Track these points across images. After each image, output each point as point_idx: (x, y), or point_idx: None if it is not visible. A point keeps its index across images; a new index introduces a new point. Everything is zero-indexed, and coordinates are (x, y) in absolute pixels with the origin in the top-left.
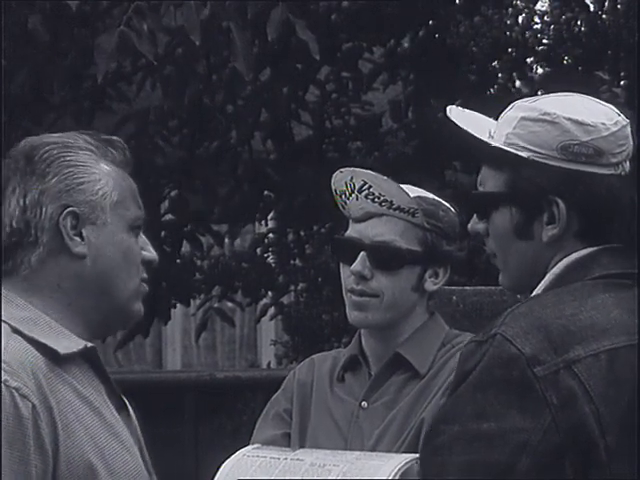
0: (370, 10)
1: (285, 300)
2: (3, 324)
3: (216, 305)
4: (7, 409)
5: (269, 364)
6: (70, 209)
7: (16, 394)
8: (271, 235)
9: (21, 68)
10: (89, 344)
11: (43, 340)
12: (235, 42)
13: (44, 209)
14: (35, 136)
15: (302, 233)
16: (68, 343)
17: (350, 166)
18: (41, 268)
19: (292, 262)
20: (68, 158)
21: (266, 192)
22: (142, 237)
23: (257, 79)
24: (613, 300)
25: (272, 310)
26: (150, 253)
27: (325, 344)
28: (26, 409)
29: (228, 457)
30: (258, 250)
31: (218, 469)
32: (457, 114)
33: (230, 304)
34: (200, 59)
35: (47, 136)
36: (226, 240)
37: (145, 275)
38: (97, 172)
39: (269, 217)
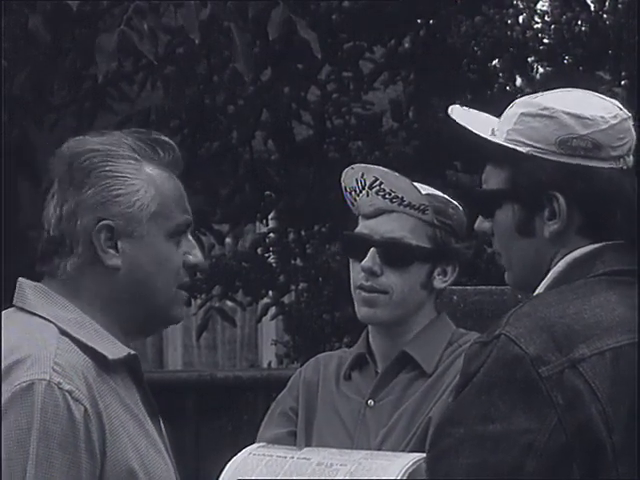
0: (371, 10)
1: (286, 300)
2: (51, 325)
3: (217, 305)
4: (61, 412)
5: (270, 364)
6: (104, 222)
7: (69, 397)
8: (272, 235)
9: (22, 68)
10: (132, 351)
11: (91, 344)
12: (235, 42)
13: (79, 221)
14: (82, 137)
15: (303, 233)
16: (114, 349)
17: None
18: (77, 275)
19: (293, 262)
20: (107, 168)
21: (267, 192)
22: (189, 240)
23: (258, 79)
24: (617, 298)
25: (273, 310)
26: (195, 257)
27: (326, 344)
28: (78, 412)
29: (231, 456)
30: (259, 250)
31: (223, 468)
32: (459, 113)
33: (231, 304)
34: (201, 59)
35: (91, 141)
36: (227, 240)
37: (186, 279)
38: (136, 182)
39: (270, 217)
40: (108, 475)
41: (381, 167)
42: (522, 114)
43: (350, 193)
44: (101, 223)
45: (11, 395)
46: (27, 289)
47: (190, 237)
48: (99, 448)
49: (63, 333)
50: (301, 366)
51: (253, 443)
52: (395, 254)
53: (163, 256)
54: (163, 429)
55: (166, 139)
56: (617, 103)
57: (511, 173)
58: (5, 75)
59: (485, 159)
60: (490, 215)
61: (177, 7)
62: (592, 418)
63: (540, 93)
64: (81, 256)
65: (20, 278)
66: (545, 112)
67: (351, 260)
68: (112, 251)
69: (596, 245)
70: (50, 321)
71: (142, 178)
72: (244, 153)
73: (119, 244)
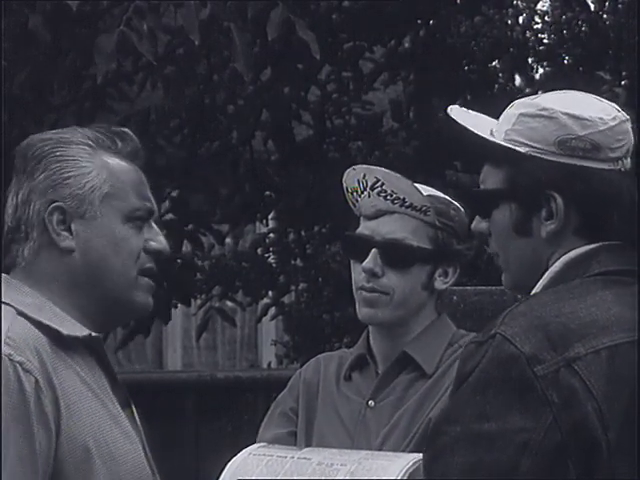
0: (371, 10)
1: (286, 300)
2: (9, 307)
3: (217, 305)
4: (11, 383)
5: (269, 364)
6: (56, 204)
7: (19, 368)
8: (272, 235)
9: (22, 68)
10: (94, 333)
11: (47, 322)
12: (235, 42)
13: (32, 206)
14: (38, 133)
15: (303, 233)
16: (72, 327)
17: (351, 166)
18: (35, 261)
19: (293, 262)
20: (58, 153)
21: (267, 192)
22: (153, 228)
23: (258, 79)
24: (612, 297)
25: (273, 310)
26: (158, 243)
27: (326, 344)
28: (29, 384)
29: (231, 456)
30: (259, 250)
31: (224, 468)
32: (458, 113)
33: (231, 304)
34: (201, 59)
35: (46, 133)
36: (227, 240)
37: (150, 265)
38: (87, 165)
39: (270, 217)
40: (63, 449)
41: (383, 168)
42: (521, 114)
43: (352, 194)
44: (52, 205)
45: None
46: None
47: (154, 225)
48: (54, 421)
49: (20, 314)
50: (301, 366)
51: (253, 443)
52: (396, 255)
53: (118, 238)
54: (138, 421)
55: (126, 130)
56: (616, 106)
57: (509, 173)
58: (5, 75)
59: (483, 159)
60: (487, 215)
61: (177, 7)
62: (587, 416)
63: (539, 94)
64: (36, 240)
65: None
66: (544, 112)
67: (352, 261)
68: (65, 233)
69: (592, 245)
70: (8, 304)
71: (94, 162)
72: (244, 153)
73: (72, 226)
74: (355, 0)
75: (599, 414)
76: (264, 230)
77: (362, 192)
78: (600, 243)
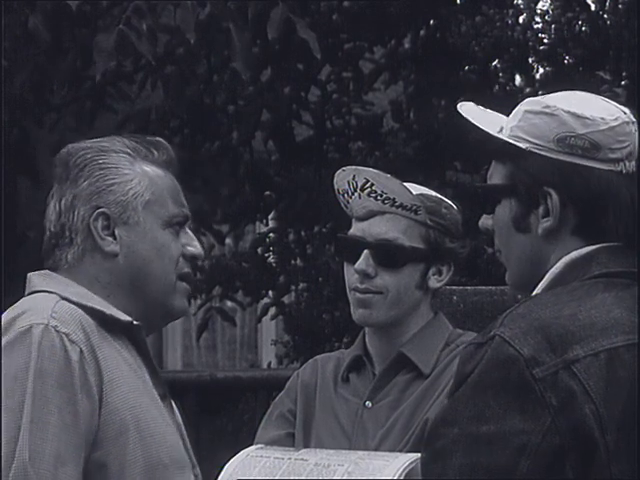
0: (371, 10)
1: (286, 300)
2: (52, 294)
3: (217, 305)
4: (57, 352)
5: (270, 364)
6: (100, 210)
7: (65, 339)
8: (272, 235)
9: (22, 68)
10: (135, 322)
11: (90, 304)
12: (234, 42)
13: (76, 212)
14: (76, 143)
15: (303, 233)
16: (116, 312)
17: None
18: (78, 265)
19: (293, 262)
20: (100, 161)
21: (267, 192)
22: (188, 233)
23: (258, 79)
24: (613, 299)
25: (273, 310)
26: (194, 248)
27: (326, 344)
28: (75, 353)
29: (230, 457)
30: (259, 250)
31: (221, 469)
32: (468, 109)
33: (231, 304)
34: (200, 59)
35: (84, 142)
36: (227, 240)
37: (187, 270)
38: (129, 173)
39: (270, 217)
40: (106, 418)
41: (372, 169)
42: (526, 111)
43: (343, 195)
44: (97, 211)
45: (12, 338)
46: (33, 277)
47: (189, 230)
48: (97, 391)
49: (63, 299)
50: (301, 366)
51: (252, 443)
52: (388, 255)
53: (160, 243)
54: (177, 415)
55: (160, 140)
56: (623, 108)
57: (511, 169)
58: (5, 75)
59: (489, 155)
60: (491, 211)
61: (176, 7)
62: (585, 419)
63: (548, 94)
64: (80, 245)
65: (28, 273)
66: (547, 110)
67: (345, 263)
68: (110, 238)
69: (593, 247)
70: (52, 292)
71: (134, 170)
72: (244, 153)
73: (116, 231)
74: (355, 0)
75: (597, 417)
76: (264, 230)
77: (353, 193)
78: (600, 244)
